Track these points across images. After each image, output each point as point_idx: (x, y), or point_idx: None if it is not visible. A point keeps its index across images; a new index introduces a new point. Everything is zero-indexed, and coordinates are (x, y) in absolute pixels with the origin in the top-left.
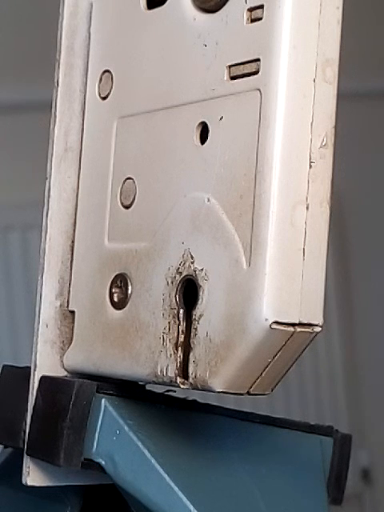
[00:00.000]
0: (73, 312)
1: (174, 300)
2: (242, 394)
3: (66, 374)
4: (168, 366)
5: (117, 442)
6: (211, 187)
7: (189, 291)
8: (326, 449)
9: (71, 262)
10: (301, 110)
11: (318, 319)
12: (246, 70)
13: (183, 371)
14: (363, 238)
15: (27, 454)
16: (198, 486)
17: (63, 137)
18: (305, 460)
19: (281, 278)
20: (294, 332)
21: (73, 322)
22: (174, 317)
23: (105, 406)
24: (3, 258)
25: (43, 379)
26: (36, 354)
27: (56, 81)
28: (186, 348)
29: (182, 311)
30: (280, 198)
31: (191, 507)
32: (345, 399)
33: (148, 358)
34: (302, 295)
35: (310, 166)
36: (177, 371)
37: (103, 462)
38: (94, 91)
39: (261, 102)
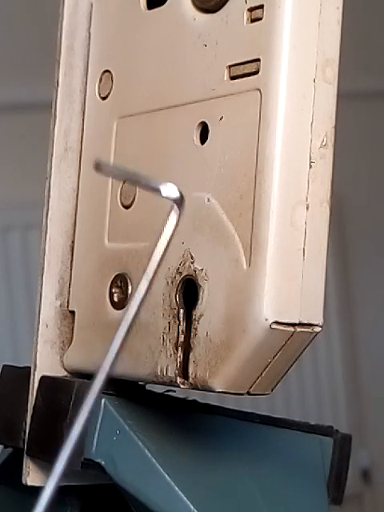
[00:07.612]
0: (73, 312)
1: (174, 300)
2: (242, 394)
3: (65, 374)
4: (168, 366)
5: (117, 442)
6: (211, 187)
7: (189, 291)
8: (326, 449)
9: (71, 261)
10: (301, 110)
11: (318, 319)
12: (246, 69)
13: (183, 371)
14: (363, 238)
15: (27, 454)
16: (198, 485)
17: (63, 137)
18: (305, 460)
19: (281, 278)
20: (294, 332)
21: (73, 322)
22: (173, 317)
23: (105, 406)
24: (3, 258)
25: (43, 379)
26: (36, 353)
27: (56, 81)
28: (186, 348)
29: (182, 311)
30: (280, 198)
31: (191, 507)
32: (345, 399)
33: (148, 357)
34: (302, 295)
35: (310, 166)
36: (177, 371)
37: (103, 462)
38: (94, 91)
39: (261, 102)
